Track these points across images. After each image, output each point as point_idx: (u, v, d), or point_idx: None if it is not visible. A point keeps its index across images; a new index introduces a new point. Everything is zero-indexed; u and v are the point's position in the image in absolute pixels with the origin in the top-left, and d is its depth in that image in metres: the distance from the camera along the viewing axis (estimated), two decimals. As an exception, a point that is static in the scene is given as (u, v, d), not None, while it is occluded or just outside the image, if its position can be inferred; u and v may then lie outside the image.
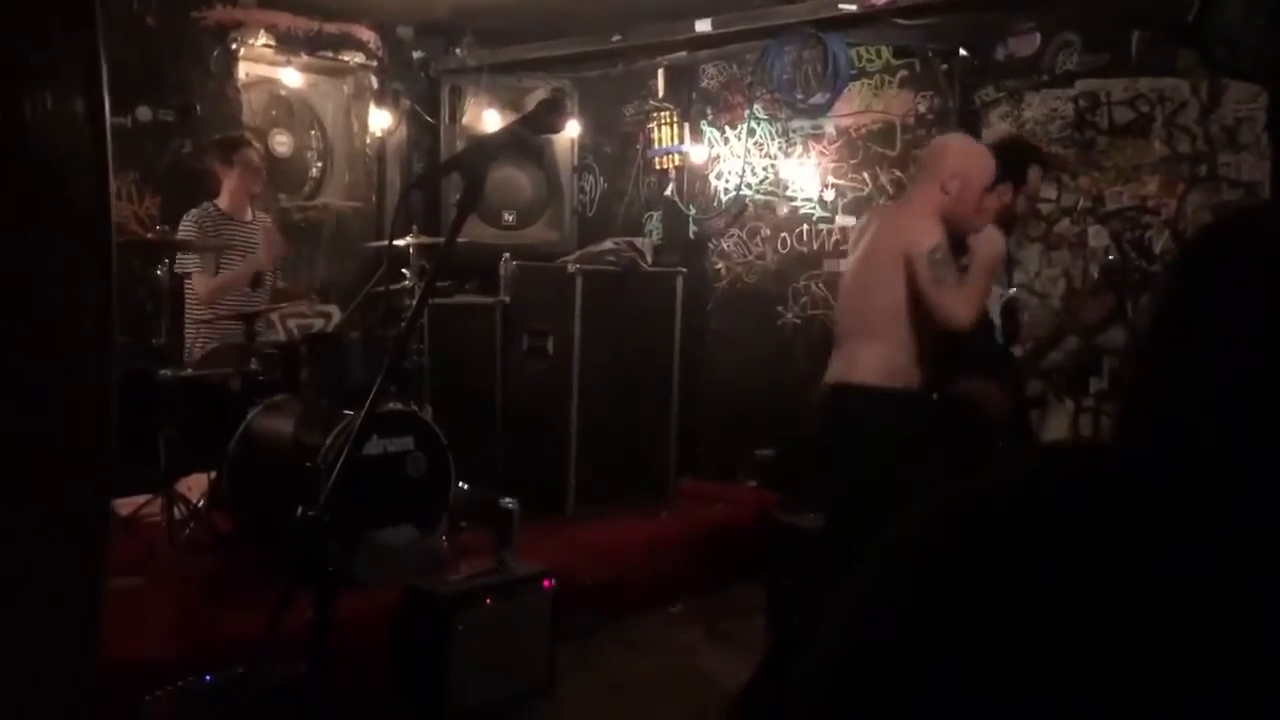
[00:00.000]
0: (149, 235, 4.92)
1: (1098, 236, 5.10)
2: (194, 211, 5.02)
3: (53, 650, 1.42)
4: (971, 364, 3.63)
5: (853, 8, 5.47)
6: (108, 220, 1.33)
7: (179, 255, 4.87)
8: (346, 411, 4.05)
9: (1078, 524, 0.75)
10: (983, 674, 0.71)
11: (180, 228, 4.95)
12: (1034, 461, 0.85)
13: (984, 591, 0.73)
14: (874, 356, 3.32)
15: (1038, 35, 5.32)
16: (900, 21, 5.53)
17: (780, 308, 6.33)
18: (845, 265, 3.69)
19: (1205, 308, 0.80)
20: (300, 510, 1.62)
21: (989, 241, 3.29)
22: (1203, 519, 0.73)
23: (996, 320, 3.78)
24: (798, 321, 6.26)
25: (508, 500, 3.79)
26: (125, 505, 4.44)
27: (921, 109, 5.78)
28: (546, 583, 3.65)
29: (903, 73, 5.83)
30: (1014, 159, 3.78)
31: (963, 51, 5.54)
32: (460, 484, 4.37)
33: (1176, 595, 0.70)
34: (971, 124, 5.54)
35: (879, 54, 5.90)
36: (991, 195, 3.37)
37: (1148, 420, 0.82)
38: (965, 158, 3.37)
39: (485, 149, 1.88)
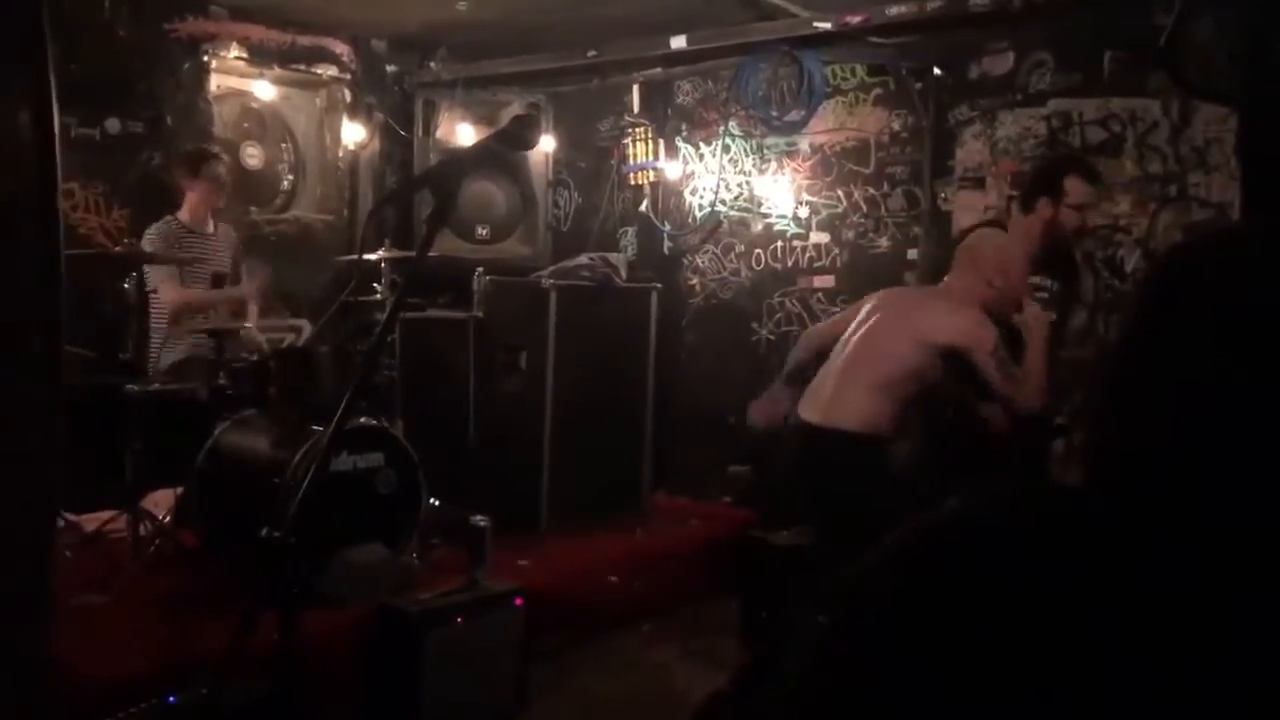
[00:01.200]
0: (116, 248, 4.86)
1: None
2: (156, 225, 4.98)
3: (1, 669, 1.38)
4: (986, 391, 3.61)
5: (827, 26, 5.50)
6: (56, 234, 1.30)
7: (145, 268, 4.81)
8: (316, 427, 4.00)
9: (1041, 560, 0.75)
10: (945, 705, 0.71)
11: (144, 241, 4.90)
12: (999, 497, 0.85)
13: (946, 623, 0.74)
14: (865, 407, 3.46)
15: (1011, 54, 5.36)
16: (875, 40, 5.57)
17: (755, 324, 6.33)
18: (849, 322, 3.79)
19: (1163, 338, 0.80)
20: (265, 529, 1.59)
21: (1038, 323, 3.44)
22: (1162, 556, 0.73)
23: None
24: (772, 338, 6.26)
25: (479, 518, 3.76)
26: (90, 521, 4.38)
27: (896, 127, 5.81)
28: (518, 601, 3.61)
29: (877, 91, 5.86)
30: (1049, 174, 3.78)
31: (937, 70, 5.57)
32: (432, 500, 4.33)
33: (1138, 631, 0.70)
34: (945, 142, 5.57)
35: (853, 72, 5.93)
36: (1025, 281, 3.56)
37: (1110, 454, 0.82)
38: (1004, 253, 3.53)
39: (457, 165, 1.87)
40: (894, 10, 5.28)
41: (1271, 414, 0.71)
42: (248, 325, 4.91)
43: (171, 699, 2.87)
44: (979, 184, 5.44)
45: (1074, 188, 3.70)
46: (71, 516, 4.36)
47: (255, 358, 4.65)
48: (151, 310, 4.94)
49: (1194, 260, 0.83)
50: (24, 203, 1.26)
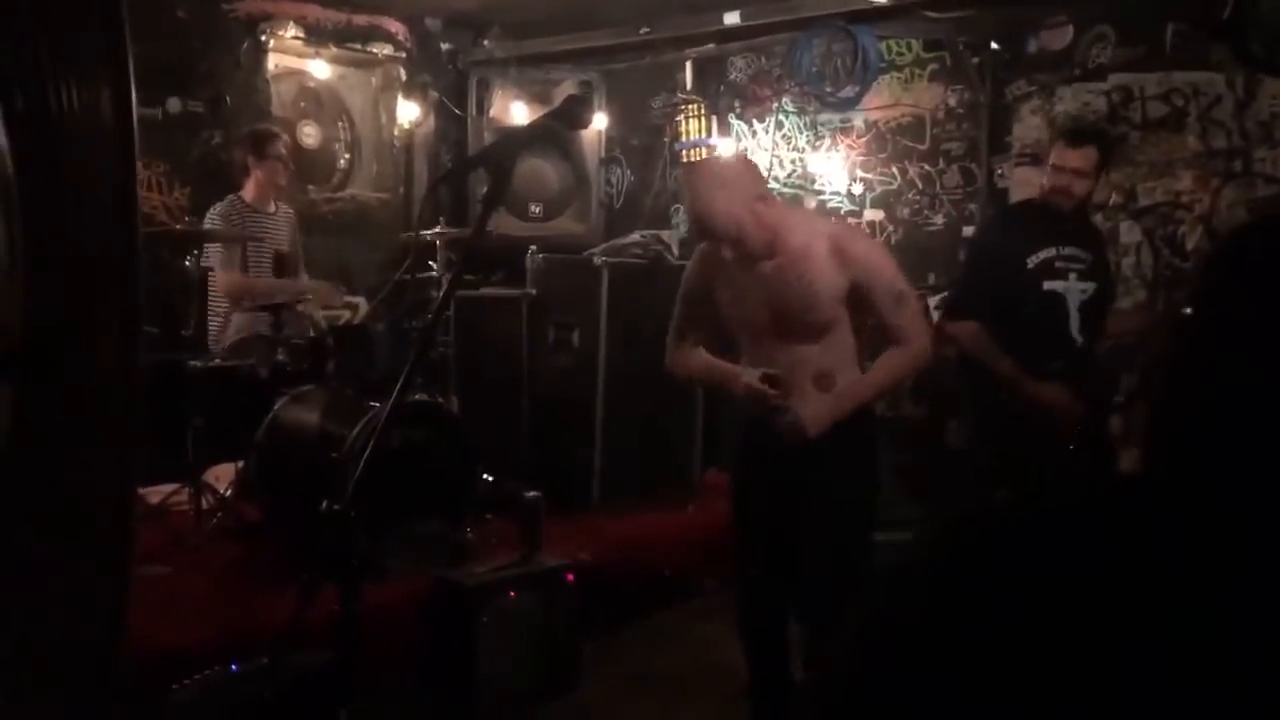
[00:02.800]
0: (178, 226, 4.95)
1: (1130, 232, 5.04)
2: (220, 205, 5.05)
3: (80, 638, 1.43)
4: (1048, 366, 3.57)
5: (883, 0, 5.43)
6: (134, 212, 1.33)
7: (207, 247, 4.89)
8: (373, 403, 4.06)
9: (1094, 555, 0.74)
10: (992, 699, 0.70)
11: (207, 220, 4.98)
12: (1053, 493, 0.83)
13: (990, 620, 0.73)
14: None
15: (1070, 28, 5.27)
16: (930, 14, 5.49)
17: (807, 302, 6.30)
18: None
19: (1226, 323, 0.79)
20: (325, 503, 1.63)
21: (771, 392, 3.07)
22: (1222, 549, 0.72)
23: (1074, 316, 3.71)
24: (825, 316, 6.23)
25: (532, 493, 3.79)
26: (154, 494, 4.49)
27: (952, 103, 5.74)
28: (570, 576, 3.65)
29: (933, 66, 5.79)
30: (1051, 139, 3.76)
31: (994, 45, 5.49)
32: (486, 476, 4.38)
33: (1188, 626, 0.69)
34: (1002, 118, 5.49)
35: (909, 47, 5.86)
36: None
37: (1172, 443, 0.81)
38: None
39: (511, 144, 1.88)
40: (951, -16, 5.21)
41: None
42: (307, 299, 4.99)
43: (234, 667, 2.94)
44: (1036, 161, 5.35)
45: (1056, 151, 3.70)
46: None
47: (313, 334, 4.72)
48: (211, 289, 5.03)
49: (1257, 242, 0.82)
50: (106, 180, 1.29)
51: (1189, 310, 0.82)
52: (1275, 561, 0.70)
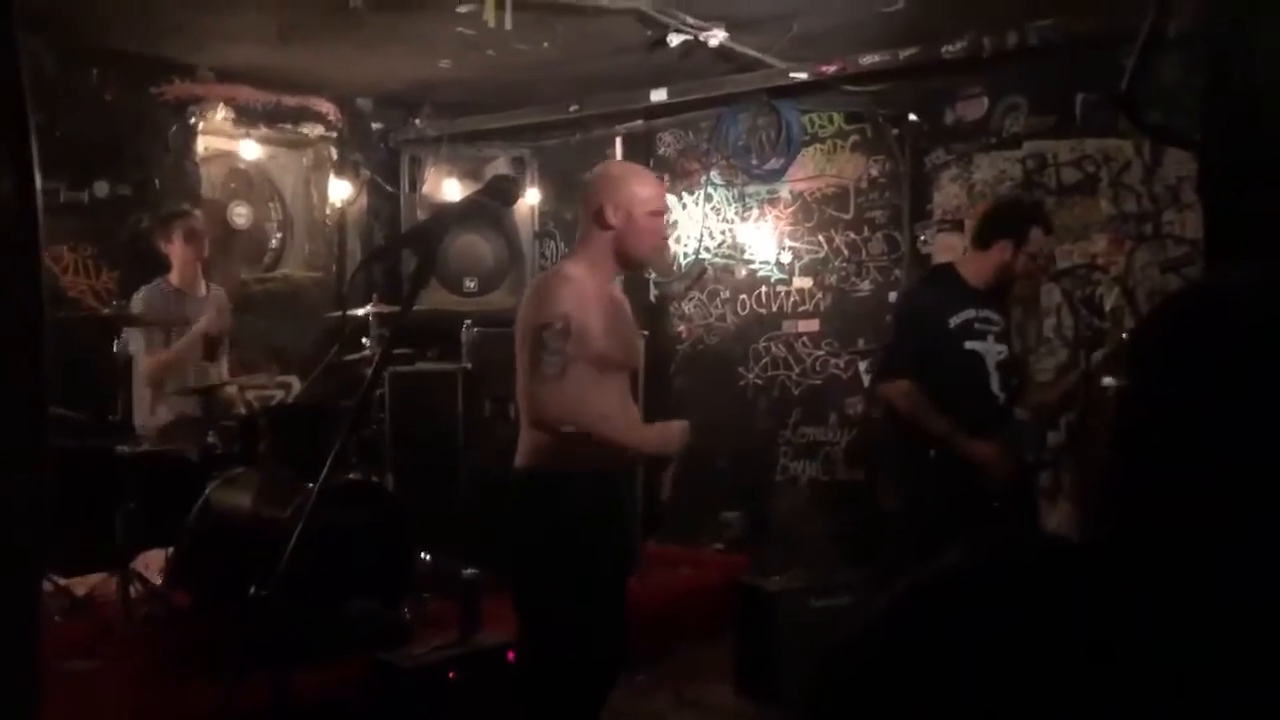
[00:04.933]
0: (105, 310, 4.89)
1: (1050, 295, 5.19)
2: (144, 289, 5.01)
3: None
4: (972, 425, 3.64)
5: (803, 76, 5.59)
6: (38, 301, 1.33)
7: (127, 331, 4.83)
8: (308, 484, 4.02)
9: (1038, 615, 0.76)
10: None
11: (132, 303, 4.92)
12: (991, 551, 0.85)
13: (938, 684, 0.75)
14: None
15: (985, 99, 5.46)
16: (850, 88, 5.68)
17: (741, 368, 6.37)
18: None
19: (1157, 395, 0.81)
20: (253, 588, 1.61)
21: (663, 435, 3.02)
22: (1160, 612, 0.74)
23: (994, 375, 3.79)
24: (759, 382, 6.30)
25: (471, 570, 3.76)
26: (80, 585, 4.37)
27: (874, 172, 5.89)
28: (510, 654, 3.61)
29: (854, 137, 5.95)
30: (1011, 218, 3.82)
31: (912, 116, 5.67)
32: (423, 554, 4.34)
33: (1138, 683, 0.71)
34: (923, 186, 5.65)
35: (830, 120, 6.02)
36: (656, 219, 2.98)
37: (1112, 509, 0.83)
38: (614, 184, 2.95)
39: (437, 224, 1.91)
40: (868, 59, 5.38)
41: (1270, 457, 0.73)
42: (227, 383, 4.93)
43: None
44: (958, 226, 5.52)
45: (1036, 236, 3.77)
46: (61, 580, 4.35)
47: (244, 413, 4.67)
48: (135, 374, 4.95)
49: (1179, 314, 0.86)
50: (6, 268, 1.29)
51: (1113, 381, 0.86)
52: (1211, 623, 0.73)
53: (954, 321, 3.74)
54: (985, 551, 0.85)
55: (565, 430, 2.75)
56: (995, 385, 3.77)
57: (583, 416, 2.78)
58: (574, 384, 2.76)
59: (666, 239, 2.97)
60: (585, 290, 2.82)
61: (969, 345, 3.74)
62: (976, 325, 3.76)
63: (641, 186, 2.94)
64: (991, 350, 3.76)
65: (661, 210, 2.99)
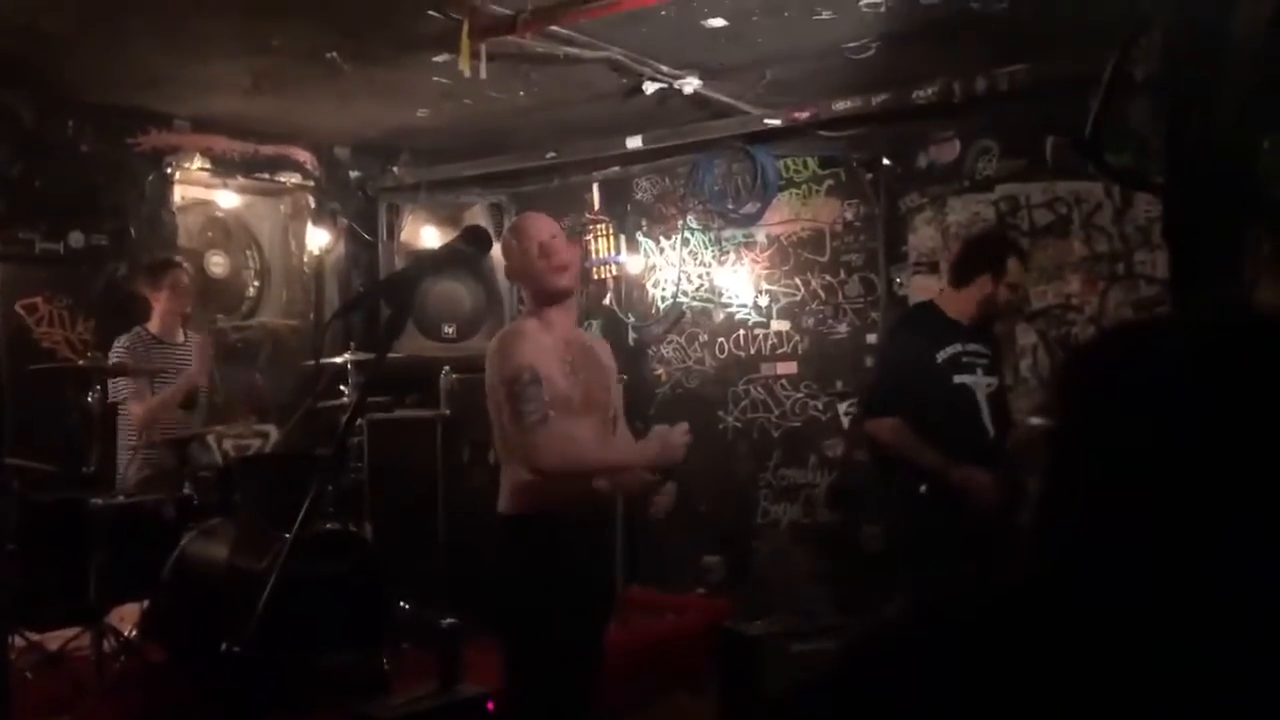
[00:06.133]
0: (80, 362, 4.86)
1: (1025, 334, 5.23)
2: (124, 337, 4.97)
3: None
4: (963, 458, 3.65)
5: (777, 122, 5.65)
6: None
7: (112, 382, 4.80)
8: (285, 534, 3.98)
9: (984, 663, 0.77)
10: None
11: (112, 353, 4.89)
12: (936, 603, 0.86)
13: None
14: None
15: (957, 143, 5.53)
16: (824, 133, 5.74)
17: (721, 411, 6.38)
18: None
19: (1088, 431, 0.83)
20: (225, 644, 1.60)
21: (662, 445, 2.99)
22: (1112, 639, 0.75)
23: (984, 408, 3.80)
24: (739, 425, 6.31)
25: (449, 620, 3.72)
26: (53, 640, 4.30)
27: (849, 216, 5.95)
28: (490, 704, 3.57)
29: (829, 182, 6.01)
30: (990, 252, 3.85)
31: (886, 160, 5.73)
32: (402, 603, 4.30)
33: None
34: (898, 229, 5.71)
35: (805, 164, 6.09)
36: (547, 247, 2.95)
37: (1047, 545, 0.84)
38: (505, 241, 3.05)
39: (410, 275, 1.92)
40: (841, 105, 5.44)
41: (1200, 490, 0.75)
42: (204, 433, 4.90)
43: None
44: (933, 268, 5.56)
45: (1014, 267, 3.82)
46: (33, 636, 4.28)
47: (220, 463, 4.64)
48: (120, 424, 4.92)
49: (1102, 353, 0.88)
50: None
51: (1039, 421, 0.88)
52: (1158, 639, 0.74)
53: (941, 356, 3.76)
54: (924, 607, 0.86)
55: (571, 470, 2.81)
56: (986, 418, 3.79)
57: (579, 451, 2.85)
58: (558, 426, 2.79)
59: (566, 259, 2.95)
60: (541, 341, 2.88)
61: (958, 379, 3.76)
62: (964, 359, 3.78)
63: (522, 228, 3.01)
64: (981, 383, 3.78)
65: (544, 236, 2.95)
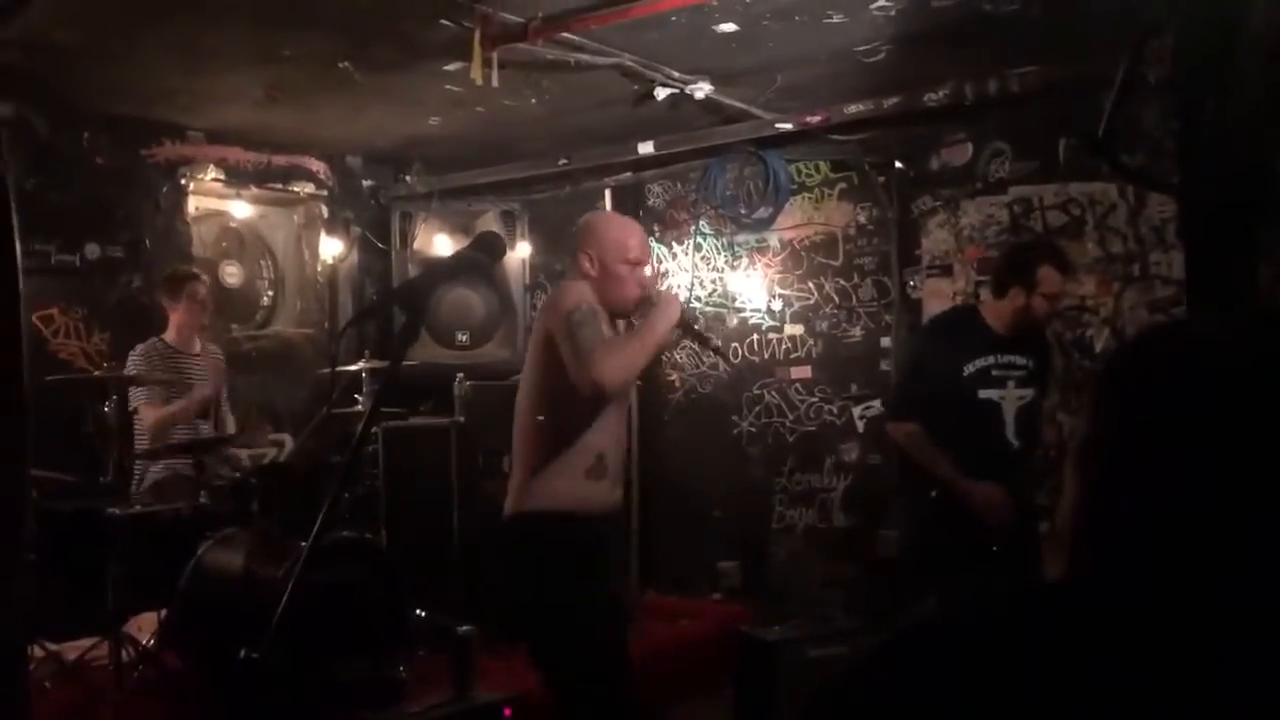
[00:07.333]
0: (96, 372, 4.89)
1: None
2: (141, 346, 5.02)
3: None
4: (979, 470, 3.63)
5: (789, 126, 5.65)
6: (19, 364, 1.34)
7: (131, 391, 4.84)
8: (301, 542, 3.99)
9: (1021, 664, 0.76)
10: None
11: (128, 362, 4.94)
12: (975, 602, 0.86)
13: None
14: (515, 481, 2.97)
15: (969, 145, 5.51)
16: (836, 137, 5.73)
17: (735, 416, 6.37)
18: None
19: (1120, 429, 0.82)
20: (243, 651, 1.60)
21: (666, 303, 2.93)
22: (1138, 651, 0.74)
23: (1010, 423, 3.79)
24: (753, 429, 6.30)
25: (465, 627, 3.73)
26: (71, 650, 4.32)
27: (862, 219, 5.94)
28: (507, 711, 3.57)
29: (841, 185, 6.00)
30: (1022, 262, 3.78)
31: (898, 163, 5.72)
32: (418, 611, 4.30)
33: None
34: (911, 232, 5.69)
35: (817, 168, 6.08)
36: (635, 269, 2.99)
37: (1090, 546, 0.84)
38: (592, 233, 3.03)
39: (424, 282, 1.92)
40: (852, 109, 5.43)
41: (1236, 498, 0.74)
42: (230, 437, 4.92)
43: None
44: (946, 271, 5.55)
45: (1047, 276, 3.71)
46: (52, 645, 4.30)
47: (237, 474, 4.65)
48: (135, 433, 4.95)
49: (1140, 357, 0.87)
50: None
51: (1066, 419, 0.87)
52: (1189, 647, 0.73)
53: (969, 369, 3.74)
54: (960, 606, 0.85)
55: (633, 375, 2.82)
56: (1010, 432, 3.76)
57: (628, 356, 2.78)
58: (612, 344, 2.80)
59: (646, 288, 2.98)
60: (593, 299, 2.88)
61: (983, 394, 3.74)
62: (994, 372, 3.76)
63: (619, 235, 3.00)
64: (1011, 395, 3.76)
65: (639, 260, 2.98)
